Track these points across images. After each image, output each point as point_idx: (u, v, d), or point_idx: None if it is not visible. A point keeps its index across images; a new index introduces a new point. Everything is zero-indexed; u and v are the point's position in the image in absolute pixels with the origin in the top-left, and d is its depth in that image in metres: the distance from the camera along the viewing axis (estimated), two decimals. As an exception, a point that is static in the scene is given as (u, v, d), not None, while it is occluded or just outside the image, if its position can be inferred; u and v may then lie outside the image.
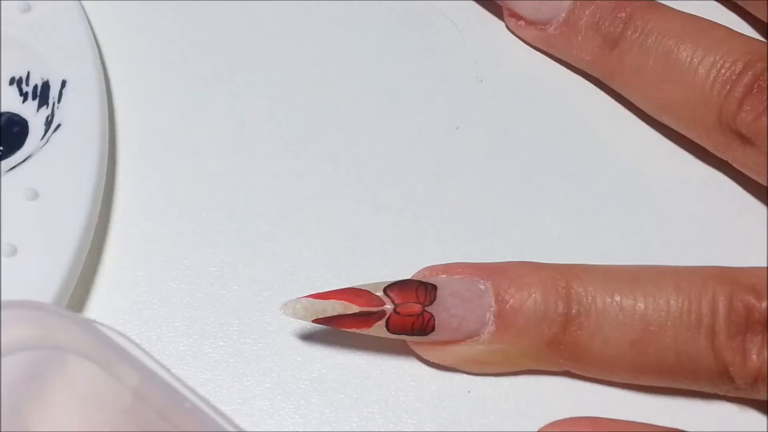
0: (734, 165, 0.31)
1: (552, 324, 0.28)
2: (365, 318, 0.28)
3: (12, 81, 0.33)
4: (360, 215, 0.32)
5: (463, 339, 0.29)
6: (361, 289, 0.28)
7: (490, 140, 0.33)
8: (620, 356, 0.28)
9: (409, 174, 0.33)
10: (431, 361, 0.30)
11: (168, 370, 0.26)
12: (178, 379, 0.25)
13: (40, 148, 0.31)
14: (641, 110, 0.33)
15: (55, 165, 0.31)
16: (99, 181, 0.31)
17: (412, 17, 0.35)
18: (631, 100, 0.33)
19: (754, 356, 0.27)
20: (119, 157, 0.33)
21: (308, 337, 0.30)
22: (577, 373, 0.29)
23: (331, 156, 0.33)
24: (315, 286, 0.31)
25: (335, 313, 0.28)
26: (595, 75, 0.33)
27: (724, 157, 0.31)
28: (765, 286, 0.27)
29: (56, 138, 0.31)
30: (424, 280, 0.29)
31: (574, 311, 0.28)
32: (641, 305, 0.28)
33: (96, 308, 0.31)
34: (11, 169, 0.31)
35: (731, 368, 0.27)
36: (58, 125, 0.32)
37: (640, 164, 0.33)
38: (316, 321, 0.28)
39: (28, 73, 0.33)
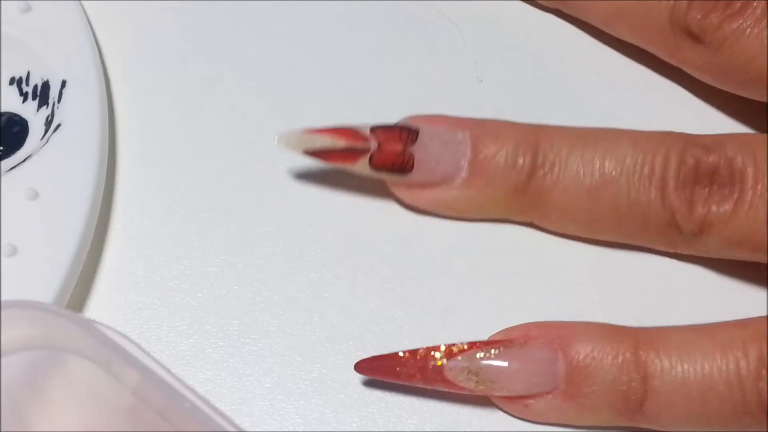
0: (686, 69, 0.32)
1: (519, 173, 0.30)
2: (351, 153, 0.30)
3: (12, 81, 0.33)
4: (360, 215, 0.32)
5: (438, 182, 0.31)
6: (348, 128, 0.30)
7: (490, 140, 0.33)
8: (577, 203, 0.30)
9: (409, 174, 0.33)
10: (407, 202, 0.31)
11: (168, 370, 0.26)
12: (178, 379, 0.25)
13: (40, 148, 0.31)
14: (642, 109, 0.33)
15: (55, 165, 0.31)
16: (99, 181, 0.31)
17: (412, 17, 0.35)
18: (587, 19, 0.34)
19: (699, 207, 0.29)
20: (119, 157, 0.33)
21: (308, 337, 0.30)
22: (540, 224, 0.31)
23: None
24: (315, 286, 0.31)
25: (324, 147, 0.30)
26: (551, 6, 0.34)
27: (676, 63, 0.32)
28: (716, 144, 0.29)
29: (56, 138, 0.31)
30: (407, 125, 0.30)
31: (539, 162, 0.30)
32: (600, 158, 0.30)
33: (96, 308, 0.31)
34: (11, 169, 0.31)
35: (678, 216, 0.29)
36: (58, 125, 0.32)
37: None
38: (306, 152, 0.30)
39: (28, 73, 0.33)
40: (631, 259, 0.31)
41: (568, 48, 0.35)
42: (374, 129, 0.30)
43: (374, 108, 0.33)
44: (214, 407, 0.25)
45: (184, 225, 0.32)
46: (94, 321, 0.26)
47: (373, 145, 0.30)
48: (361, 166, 0.30)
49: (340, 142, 0.30)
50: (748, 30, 0.30)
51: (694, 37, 0.31)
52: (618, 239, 0.31)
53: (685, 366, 0.28)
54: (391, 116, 0.33)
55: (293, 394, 0.30)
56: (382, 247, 0.32)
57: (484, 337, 0.30)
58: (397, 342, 0.30)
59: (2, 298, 0.29)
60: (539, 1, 0.35)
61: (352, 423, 0.29)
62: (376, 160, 0.30)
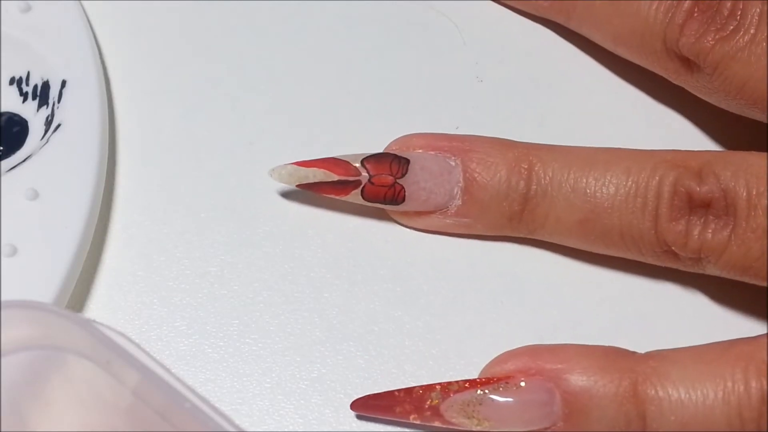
0: (690, 91, 0.32)
1: (513, 202, 0.30)
2: (343, 186, 0.30)
3: (12, 81, 0.33)
4: (361, 215, 0.32)
5: (432, 210, 0.31)
6: (341, 160, 0.31)
7: (490, 140, 0.33)
8: (570, 233, 0.30)
9: (409, 174, 0.33)
10: (404, 225, 0.32)
11: (168, 370, 0.26)
12: (178, 379, 0.25)
13: (40, 148, 0.31)
14: (641, 109, 0.33)
15: (55, 165, 0.31)
16: (99, 181, 0.31)
17: (412, 17, 0.35)
18: (590, 38, 0.34)
19: (695, 236, 0.29)
20: (119, 157, 0.33)
21: (308, 337, 0.30)
22: (538, 238, 0.31)
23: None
24: (315, 286, 0.31)
25: (317, 180, 0.30)
26: (554, 19, 0.34)
27: (679, 84, 0.32)
28: (707, 169, 0.29)
29: (56, 138, 0.31)
30: (399, 154, 0.31)
31: (532, 191, 0.30)
32: (591, 187, 0.30)
33: (96, 308, 0.31)
34: (11, 169, 0.31)
35: (674, 247, 0.29)
36: (58, 125, 0.32)
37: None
38: (299, 186, 0.31)
39: (28, 73, 0.33)
40: (632, 266, 0.31)
41: (568, 48, 0.35)
42: (365, 160, 0.30)
43: (374, 108, 0.33)
44: (214, 407, 0.25)
45: (184, 225, 0.32)
46: (94, 321, 0.26)
47: (363, 177, 0.30)
48: (354, 197, 0.31)
49: (332, 177, 0.30)
50: (739, 53, 0.29)
51: (689, 62, 0.30)
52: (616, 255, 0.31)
53: (685, 403, 0.27)
54: (392, 116, 0.33)
55: (293, 394, 0.30)
56: (382, 247, 0.32)
57: (484, 338, 0.30)
58: (397, 342, 0.30)
59: (2, 298, 0.29)
60: (541, 16, 0.35)
61: (352, 423, 0.29)
62: (368, 192, 0.30)
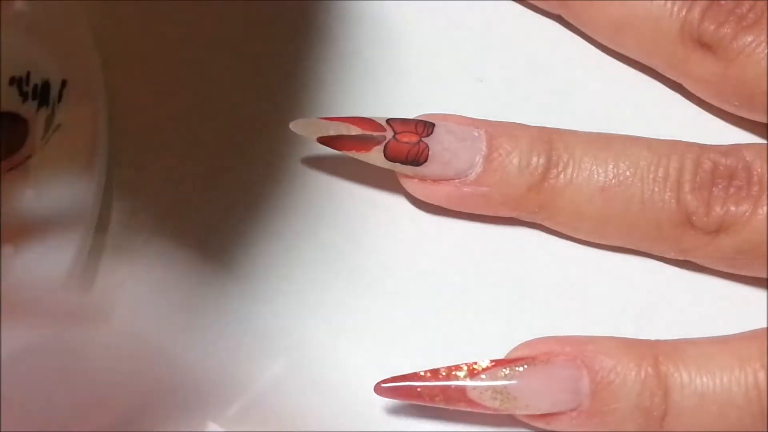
0: (687, 83, 0.32)
1: (533, 171, 0.30)
2: (365, 141, 0.30)
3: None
4: (361, 215, 0.32)
5: (452, 176, 0.31)
6: (365, 117, 0.31)
7: (490, 140, 0.33)
8: (590, 203, 0.30)
9: (410, 174, 0.33)
10: (418, 197, 0.31)
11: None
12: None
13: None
14: (646, 111, 0.33)
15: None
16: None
17: (412, 17, 0.35)
18: (590, 28, 0.34)
19: (717, 207, 0.29)
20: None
21: (308, 336, 0.30)
22: (549, 225, 0.31)
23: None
24: (315, 287, 0.31)
25: (338, 133, 0.30)
26: (552, 11, 0.34)
27: (678, 75, 0.32)
28: (732, 150, 0.30)
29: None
30: (423, 119, 0.31)
31: (553, 161, 0.30)
32: (613, 159, 0.30)
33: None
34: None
35: (694, 217, 0.29)
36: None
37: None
38: (319, 140, 0.30)
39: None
40: (641, 266, 0.31)
41: (569, 48, 0.35)
42: (390, 120, 0.31)
43: (374, 108, 0.34)
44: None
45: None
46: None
47: (388, 134, 0.30)
48: (375, 156, 0.30)
49: (355, 130, 0.30)
50: (763, 44, 0.30)
51: (706, 48, 0.31)
52: (627, 244, 0.31)
53: (704, 379, 0.28)
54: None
55: (295, 394, 0.30)
56: (383, 247, 0.32)
57: (487, 338, 0.30)
58: (398, 342, 0.30)
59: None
60: (538, 4, 0.34)
61: (352, 423, 0.29)
62: (391, 149, 0.30)
